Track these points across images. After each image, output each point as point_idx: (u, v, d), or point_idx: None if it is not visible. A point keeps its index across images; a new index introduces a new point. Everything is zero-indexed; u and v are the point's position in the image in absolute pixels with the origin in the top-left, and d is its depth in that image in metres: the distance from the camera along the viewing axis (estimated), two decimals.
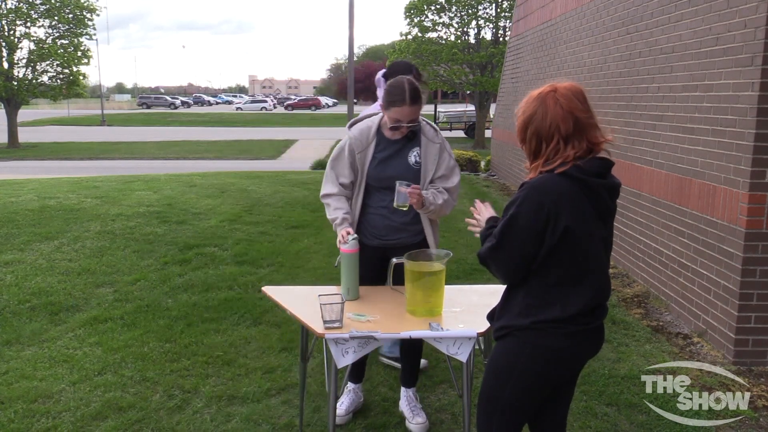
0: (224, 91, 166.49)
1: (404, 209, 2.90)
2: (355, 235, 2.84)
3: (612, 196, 2.00)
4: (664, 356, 4.09)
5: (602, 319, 2.07)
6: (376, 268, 3.12)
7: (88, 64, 25.66)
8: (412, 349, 3.22)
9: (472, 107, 25.42)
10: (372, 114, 3.16)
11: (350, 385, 3.36)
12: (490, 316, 2.18)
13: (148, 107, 67.98)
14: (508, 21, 24.71)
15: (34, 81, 24.78)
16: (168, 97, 77.08)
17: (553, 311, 1.96)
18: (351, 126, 3.09)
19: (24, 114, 39.35)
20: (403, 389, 3.31)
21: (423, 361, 3.70)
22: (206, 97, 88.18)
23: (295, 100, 69.82)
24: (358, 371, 3.36)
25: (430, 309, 2.63)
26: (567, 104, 1.91)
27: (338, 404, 3.27)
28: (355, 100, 16.48)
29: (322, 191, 3.08)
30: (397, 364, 3.69)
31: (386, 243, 3.07)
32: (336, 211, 2.99)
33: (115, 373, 3.71)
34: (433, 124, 3.10)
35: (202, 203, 8.89)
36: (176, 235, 6.97)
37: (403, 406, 3.27)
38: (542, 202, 1.89)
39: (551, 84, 1.98)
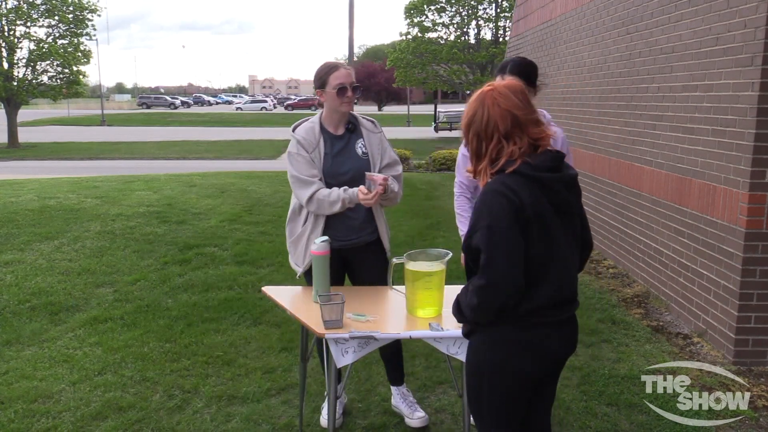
0: (224, 91, 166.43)
1: None
2: (325, 237, 2.82)
3: (569, 189, 1.99)
4: (664, 356, 4.09)
5: (570, 313, 2.04)
6: (339, 269, 3.12)
7: (88, 63, 25.67)
8: (390, 348, 3.21)
9: None
10: None
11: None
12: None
13: (148, 107, 67.94)
14: (508, 21, 24.74)
15: (34, 81, 24.78)
16: (168, 97, 77.03)
17: (516, 305, 1.93)
18: (295, 129, 3.08)
19: (24, 114, 39.34)
20: (393, 388, 3.33)
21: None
22: (206, 97, 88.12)
23: (295, 100, 69.70)
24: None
25: (430, 309, 2.63)
26: (504, 102, 1.93)
27: (320, 407, 3.28)
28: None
29: (303, 197, 2.92)
30: None
31: (345, 244, 3.06)
32: (331, 193, 2.88)
33: (115, 373, 3.71)
34: (370, 117, 3.14)
35: (202, 203, 8.89)
36: (176, 235, 6.97)
37: (399, 403, 3.28)
38: (508, 198, 1.87)
39: (490, 83, 2.02)
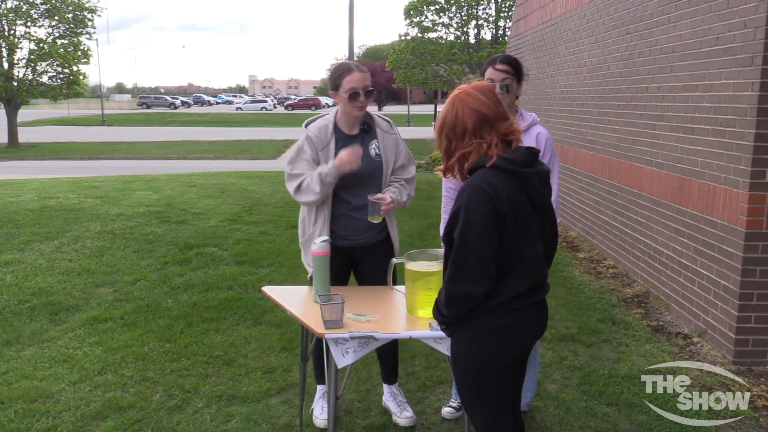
0: (224, 91, 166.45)
1: (377, 221, 2.92)
2: (326, 237, 2.82)
3: (542, 183, 2.08)
4: (664, 356, 4.09)
5: (544, 296, 2.14)
6: (345, 268, 3.14)
7: (88, 63, 25.71)
8: (387, 348, 3.20)
9: None
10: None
11: (323, 388, 3.32)
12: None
13: (148, 107, 67.92)
14: (507, 21, 24.75)
15: (34, 81, 24.79)
16: (168, 97, 76.98)
17: (495, 297, 2.01)
18: (308, 125, 3.06)
19: (24, 114, 39.36)
20: (385, 386, 3.34)
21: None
22: (206, 97, 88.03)
23: (295, 100, 69.76)
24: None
25: (430, 309, 2.62)
26: (472, 102, 2.03)
27: (320, 408, 3.27)
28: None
29: (291, 190, 2.97)
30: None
31: (354, 243, 3.07)
32: (311, 177, 2.88)
33: (115, 373, 3.71)
34: (386, 117, 3.14)
35: (202, 203, 8.89)
36: (176, 235, 6.97)
37: (389, 401, 3.29)
38: (486, 193, 1.94)
39: (462, 86, 2.11)
